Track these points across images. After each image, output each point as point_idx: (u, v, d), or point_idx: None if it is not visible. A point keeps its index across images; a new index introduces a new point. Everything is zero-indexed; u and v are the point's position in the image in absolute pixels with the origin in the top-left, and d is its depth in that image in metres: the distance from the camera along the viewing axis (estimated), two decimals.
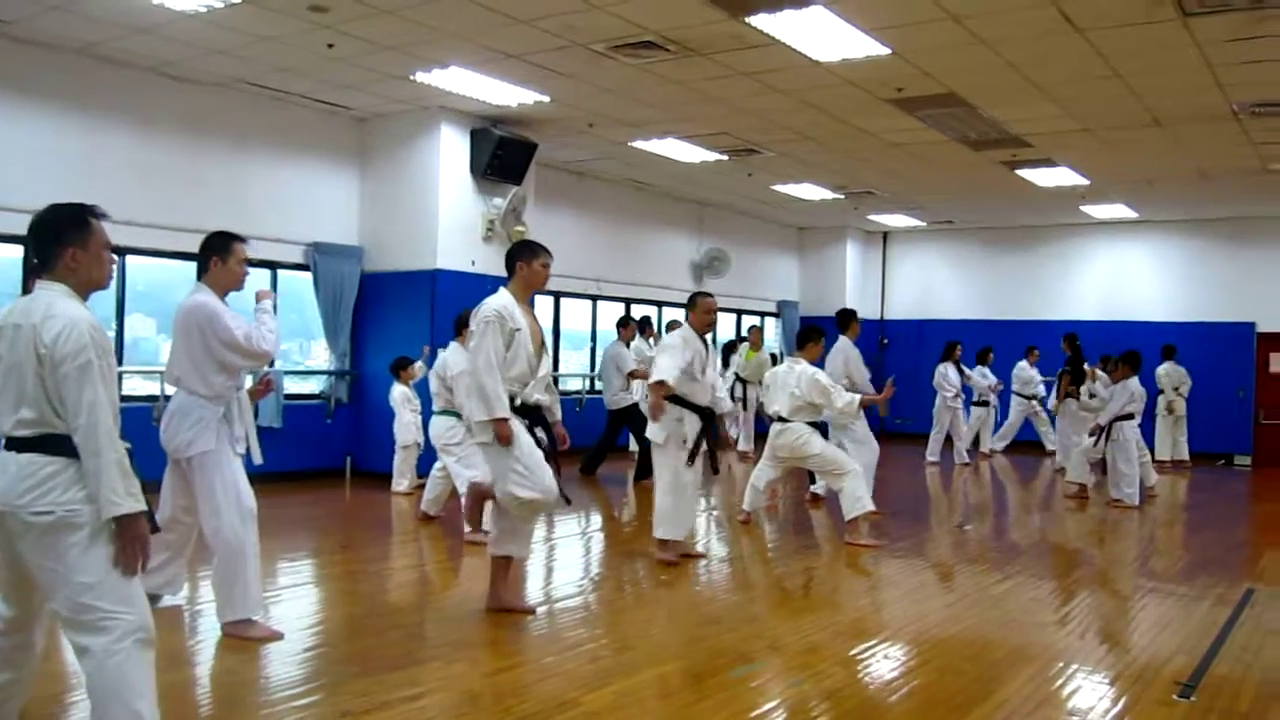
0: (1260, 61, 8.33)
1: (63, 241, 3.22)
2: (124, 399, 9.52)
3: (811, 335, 8.59)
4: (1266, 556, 8.65)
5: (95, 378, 3.09)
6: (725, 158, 12.81)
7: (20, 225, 8.68)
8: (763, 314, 18.56)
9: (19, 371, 3.12)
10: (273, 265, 10.78)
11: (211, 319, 5.09)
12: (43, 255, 3.25)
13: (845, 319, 10.05)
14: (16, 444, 3.14)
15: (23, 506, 3.08)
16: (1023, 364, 15.78)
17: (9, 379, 3.15)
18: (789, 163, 13.12)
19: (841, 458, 8.44)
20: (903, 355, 19.04)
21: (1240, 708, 4.51)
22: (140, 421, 9.41)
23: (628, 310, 15.12)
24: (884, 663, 5.17)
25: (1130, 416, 10.80)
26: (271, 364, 8.66)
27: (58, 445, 3.11)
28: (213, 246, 5.25)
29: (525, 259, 5.73)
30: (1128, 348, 14.45)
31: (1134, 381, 10.85)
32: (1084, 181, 13.66)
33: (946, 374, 14.84)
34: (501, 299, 5.61)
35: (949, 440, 15.04)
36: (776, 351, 17.01)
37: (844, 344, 9.82)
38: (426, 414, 9.03)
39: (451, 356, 8.17)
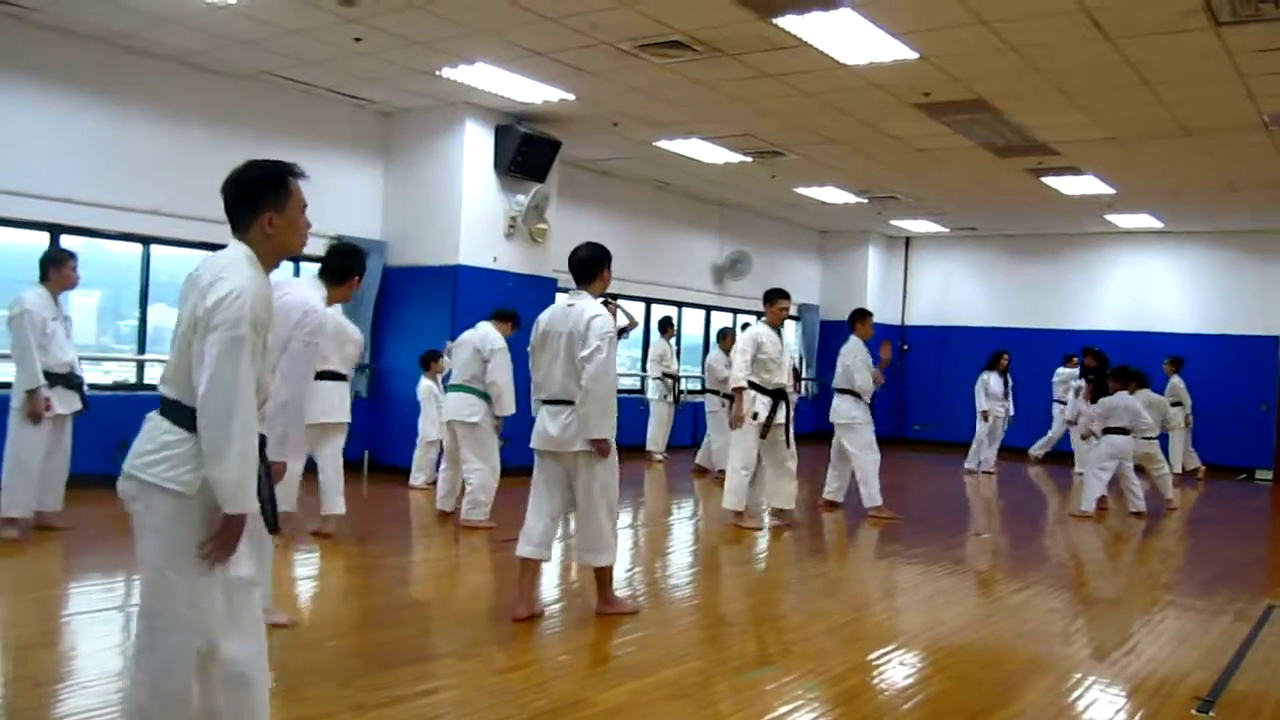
0: None
1: (259, 205, 3.04)
2: (145, 388, 9.69)
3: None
4: None
5: (242, 355, 2.85)
6: (749, 159, 12.78)
7: (46, 213, 8.89)
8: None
9: (181, 332, 2.97)
10: (295, 258, 10.81)
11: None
12: (236, 217, 3.06)
13: (854, 317, 10.05)
14: (160, 402, 3.00)
15: (137, 469, 2.93)
16: (1061, 370, 15.69)
17: (176, 335, 3.01)
18: (812, 165, 13.07)
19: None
20: (923, 361, 18.99)
21: None
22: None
23: (648, 310, 15.13)
24: (899, 669, 5.14)
25: (1125, 431, 10.70)
26: None
27: (183, 416, 2.91)
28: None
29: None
30: (1150, 359, 14.49)
31: (1121, 396, 10.77)
32: (1110, 190, 13.57)
33: (989, 383, 14.67)
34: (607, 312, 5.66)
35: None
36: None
37: (854, 344, 9.81)
38: None
39: (492, 332, 8.32)
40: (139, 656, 2.99)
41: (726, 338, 13.11)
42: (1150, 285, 17.40)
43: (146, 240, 9.69)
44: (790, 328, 18.64)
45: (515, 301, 11.26)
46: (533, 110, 10.86)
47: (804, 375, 17.97)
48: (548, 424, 5.56)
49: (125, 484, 2.97)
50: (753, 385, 8.73)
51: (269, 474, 3.10)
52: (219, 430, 2.82)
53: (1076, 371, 15.16)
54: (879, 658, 5.27)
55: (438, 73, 9.66)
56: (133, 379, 9.97)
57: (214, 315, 2.85)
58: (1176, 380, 14.95)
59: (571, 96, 10.18)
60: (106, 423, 9.01)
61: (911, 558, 8.15)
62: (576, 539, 5.70)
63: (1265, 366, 16.32)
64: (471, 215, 11.06)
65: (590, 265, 5.68)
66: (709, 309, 16.69)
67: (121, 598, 5.94)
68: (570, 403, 5.50)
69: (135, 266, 9.79)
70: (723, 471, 12.29)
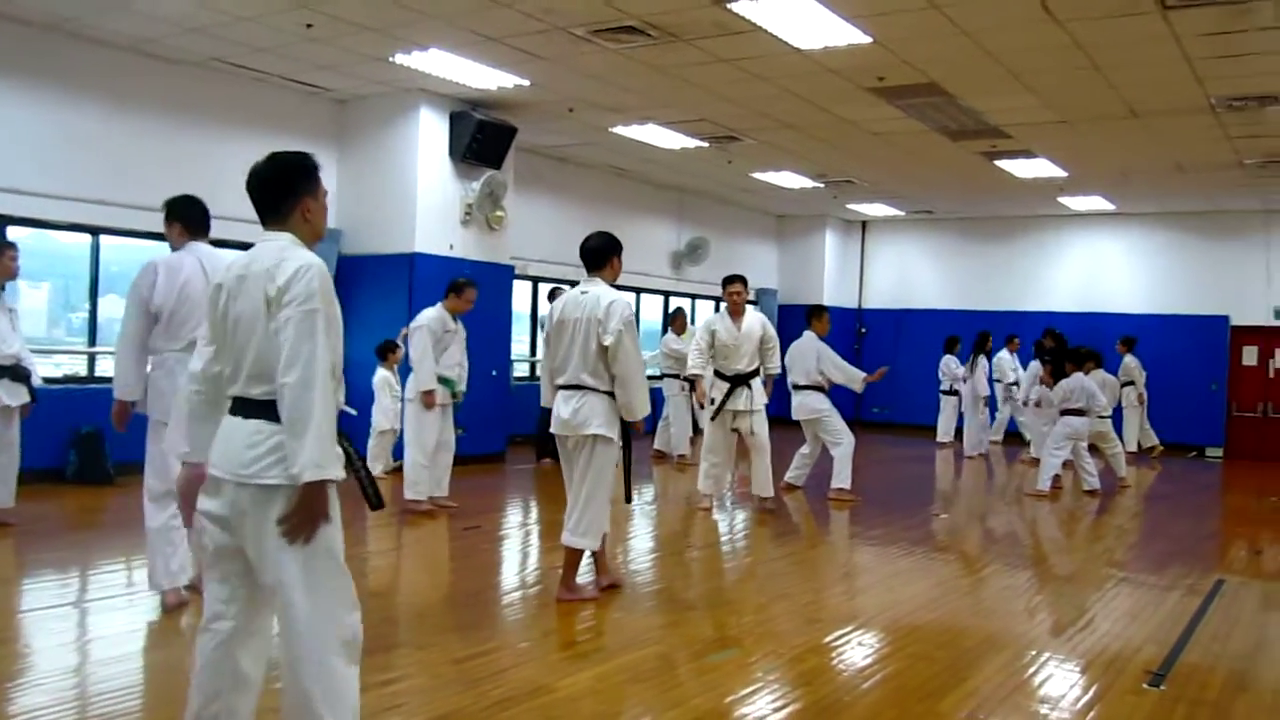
0: (1237, 56, 8.37)
1: (298, 192, 3.11)
2: (96, 380, 9.55)
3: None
4: (1236, 547, 8.74)
5: (319, 329, 2.89)
6: (705, 145, 12.79)
7: None
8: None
9: (247, 325, 2.97)
10: (249, 247, 10.65)
11: None
12: (274, 206, 3.11)
13: (810, 314, 10.11)
14: (245, 406, 2.99)
15: (251, 476, 2.92)
16: (1003, 353, 15.86)
17: (233, 336, 3.01)
18: (769, 150, 13.11)
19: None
20: (880, 344, 19.11)
21: (1209, 696, 4.56)
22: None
23: None
24: (857, 649, 5.19)
25: (1081, 412, 10.87)
26: None
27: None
28: None
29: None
30: (1104, 339, 14.70)
31: (1077, 377, 10.93)
32: (1062, 173, 13.72)
33: (982, 366, 14.79)
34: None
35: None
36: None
37: (813, 342, 9.84)
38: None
39: (427, 312, 8.42)
40: (322, 655, 2.95)
41: (677, 319, 13.25)
42: (1102, 266, 17.63)
43: (96, 231, 9.54)
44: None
45: None
46: (488, 97, 10.80)
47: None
48: (561, 409, 5.65)
49: (237, 493, 2.94)
50: (716, 372, 8.83)
51: (360, 453, 3.18)
52: (299, 402, 2.85)
53: (1016, 359, 15.44)
54: (838, 638, 5.31)
55: (391, 59, 9.57)
56: (84, 371, 9.83)
57: (286, 293, 2.91)
58: (1130, 360, 15.15)
59: (526, 83, 10.12)
60: (58, 416, 8.92)
61: (870, 539, 8.23)
62: (567, 520, 5.71)
63: (1215, 346, 16.60)
64: (427, 203, 10.99)
65: (601, 253, 5.80)
66: (667, 294, 16.69)
67: (76, 593, 5.87)
68: (583, 388, 5.58)
69: (85, 257, 9.65)
70: (682, 456, 12.37)
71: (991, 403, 15.50)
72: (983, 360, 14.88)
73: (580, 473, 5.66)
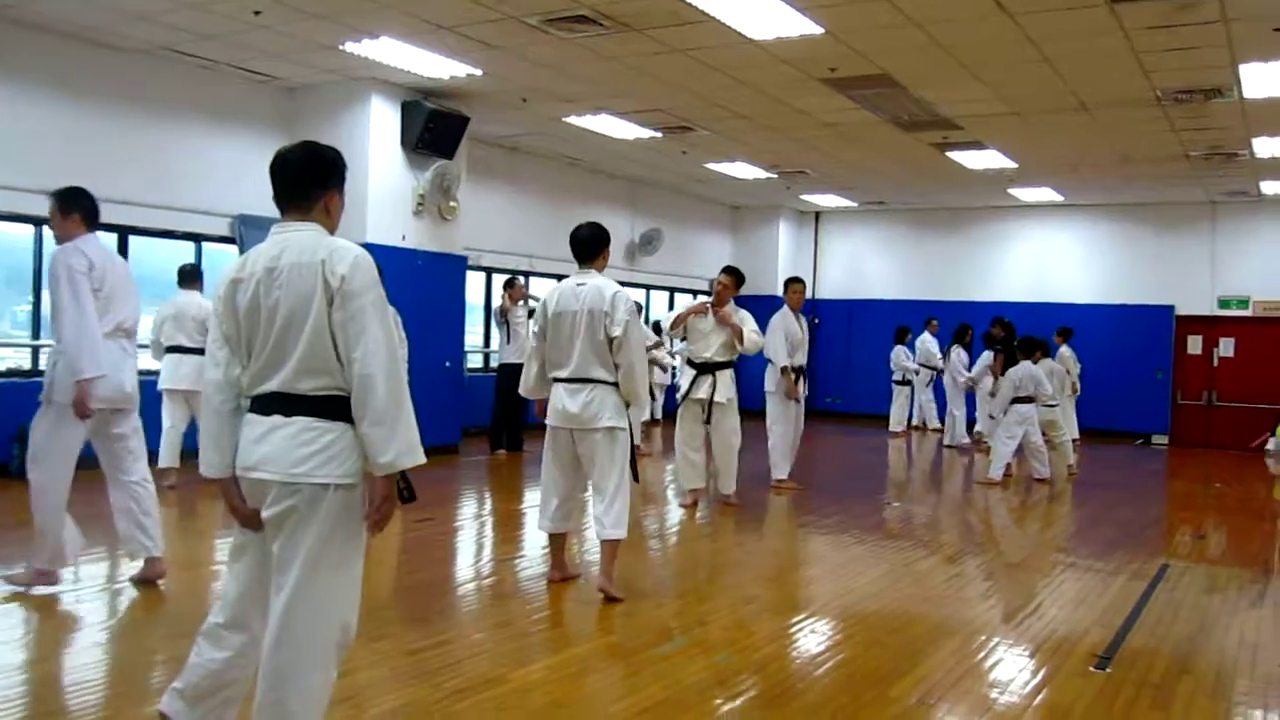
0: (1183, 49, 8.50)
1: (328, 185, 3.09)
2: (39, 374, 9.36)
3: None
4: (1181, 532, 8.90)
5: (386, 314, 2.92)
6: (659, 135, 12.78)
7: None
8: (695, 292, 18.56)
9: (296, 318, 2.88)
10: (198, 238, 10.55)
11: None
12: (302, 193, 3.04)
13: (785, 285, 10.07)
14: (288, 403, 2.91)
15: (305, 475, 2.87)
16: (924, 336, 16.07)
17: (268, 330, 2.91)
18: (723, 141, 13.13)
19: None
20: (834, 335, 19.23)
21: (1153, 678, 4.64)
22: None
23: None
24: (810, 637, 5.22)
25: (1029, 400, 11.03)
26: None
27: (334, 408, 2.90)
28: None
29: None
30: (1053, 329, 14.88)
31: (1026, 366, 11.10)
32: (1012, 165, 13.87)
33: (960, 357, 14.79)
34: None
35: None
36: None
37: (780, 312, 9.73)
38: None
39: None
40: (313, 654, 2.92)
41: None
42: (1052, 257, 17.85)
43: (40, 222, 9.34)
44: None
45: (426, 280, 11.21)
46: (440, 86, 10.72)
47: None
48: (566, 402, 5.58)
49: (284, 493, 2.89)
50: (687, 360, 8.81)
51: None
52: (388, 389, 2.85)
53: (937, 341, 15.81)
54: (791, 627, 5.35)
55: (340, 47, 9.47)
56: (28, 365, 9.65)
57: (351, 281, 2.87)
58: (1065, 350, 15.31)
59: (479, 72, 10.06)
60: (2, 410, 8.75)
61: (823, 528, 8.28)
62: (597, 514, 5.65)
63: (1161, 335, 16.87)
64: (378, 193, 10.89)
65: (594, 244, 5.77)
66: (621, 284, 16.64)
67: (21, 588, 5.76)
68: (591, 381, 5.54)
69: (29, 249, 9.46)
70: (636, 446, 12.32)
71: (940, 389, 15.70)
72: (958, 350, 14.85)
73: (600, 468, 5.59)
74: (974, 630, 5.36)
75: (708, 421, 8.68)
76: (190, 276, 8.90)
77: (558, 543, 5.97)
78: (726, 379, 8.65)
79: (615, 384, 5.59)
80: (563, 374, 5.63)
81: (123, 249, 9.90)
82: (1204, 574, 7.03)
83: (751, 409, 9.87)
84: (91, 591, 5.60)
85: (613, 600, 5.57)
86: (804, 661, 4.86)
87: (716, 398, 8.57)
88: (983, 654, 4.95)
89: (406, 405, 2.92)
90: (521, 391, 5.93)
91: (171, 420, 8.74)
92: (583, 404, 5.54)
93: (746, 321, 8.62)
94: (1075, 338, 15.26)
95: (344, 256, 2.91)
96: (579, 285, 5.65)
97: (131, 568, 5.65)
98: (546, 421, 5.73)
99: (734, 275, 8.78)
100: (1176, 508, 10.83)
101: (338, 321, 2.87)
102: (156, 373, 8.75)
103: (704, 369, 8.63)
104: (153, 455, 9.70)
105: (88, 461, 5.46)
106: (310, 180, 3.06)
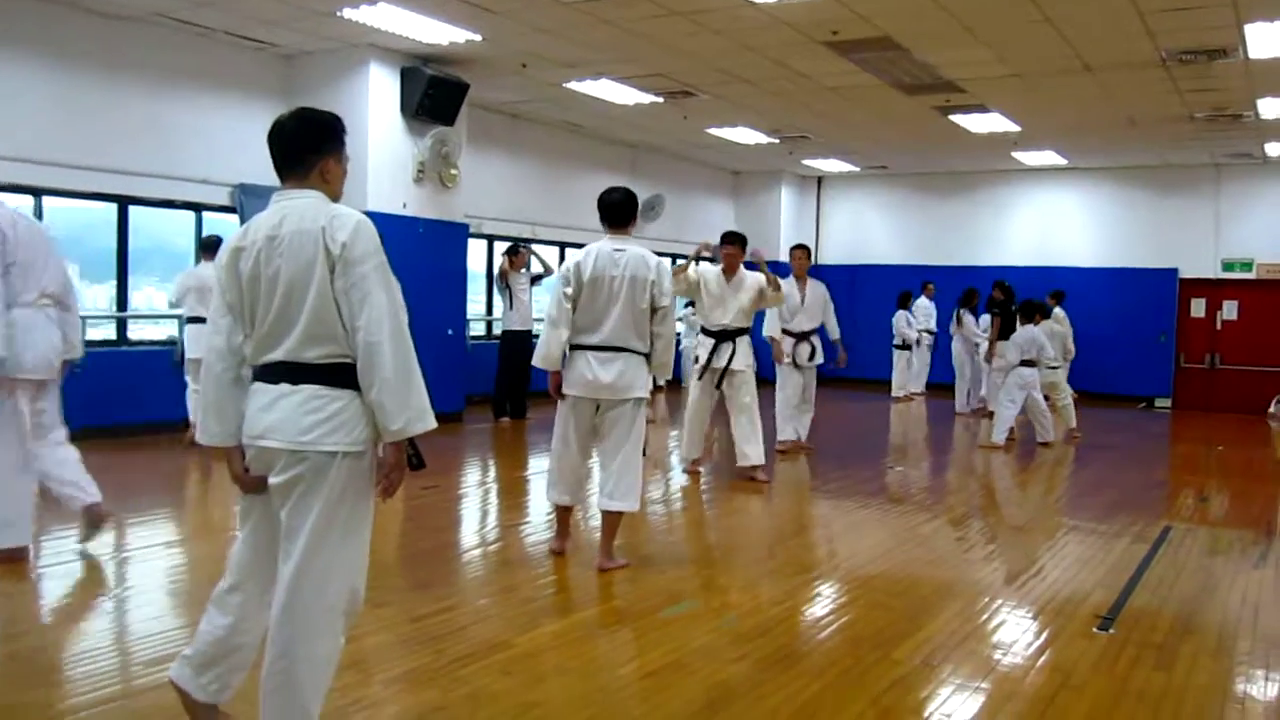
0: (1187, 8, 8.41)
1: (322, 151, 3.04)
2: None
3: None
4: (1183, 495, 8.91)
5: (392, 282, 2.91)
6: (660, 100, 12.70)
7: None
8: (697, 258, 18.51)
9: (299, 286, 2.86)
10: (197, 207, 10.51)
11: None
12: (296, 160, 3.01)
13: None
14: (294, 372, 2.90)
15: (312, 443, 2.87)
16: (921, 300, 16.05)
17: (271, 299, 2.90)
18: (724, 105, 13.05)
19: None
20: (836, 299, 19.10)
21: (1156, 639, 4.66)
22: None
23: (562, 254, 15.05)
24: (814, 600, 5.25)
25: (1032, 364, 11.04)
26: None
27: (340, 376, 2.89)
28: None
29: None
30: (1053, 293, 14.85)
31: (1029, 329, 11.09)
32: (1015, 128, 13.78)
33: (970, 321, 14.58)
34: None
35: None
36: None
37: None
38: None
39: None
40: (321, 620, 2.94)
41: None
42: (1055, 221, 17.79)
43: (38, 192, 9.32)
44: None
45: (427, 248, 11.19)
46: (439, 52, 10.65)
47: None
48: (599, 372, 5.41)
49: (294, 462, 2.89)
50: (702, 329, 8.49)
51: None
52: (401, 353, 2.86)
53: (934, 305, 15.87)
54: (795, 590, 5.37)
55: (338, 13, 9.39)
56: None
57: (353, 248, 2.86)
58: (1059, 311, 15.28)
59: (478, 37, 9.99)
60: None
61: (826, 492, 8.31)
62: (606, 484, 5.55)
63: (1164, 298, 16.84)
64: (378, 160, 10.83)
65: (627, 209, 5.64)
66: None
67: None
68: (626, 350, 5.43)
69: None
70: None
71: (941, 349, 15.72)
72: (967, 315, 14.62)
73: (617, 437, 5.50)
74: (977, 592, 5.38)
75: (719, 386, 8.37)
76: (212, 247, 9.03)
77: (566, 515, 5.86)
78: (745, 345, 8.37)
79: (646, 355, 5.51)
80: (592, 340, 5.43)
81: (122, 219, 9.89)
82: (1206, 536, 7.05)
83: (766, 378, 9.83)
84: (99, 559, 5.62)
85: (608, 569, 5.56)
86: (809, 624, 4.89)
87: (735, 365, 8.28)
88: (986, 616, 4.97)
89: (415, 370, 2.91)
90: (541, 362, 5.54)
91: (198, 384, 8.89)
92: (618, 373, 5.40)
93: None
94: (1079, 301, 15.24)
95: (344, 223, 2.89)
96: (617, 251, 5.47)
97: (141, 536, 5.67)
98: (566, 391, 5.52)
99: (739, 242, 8.47)
100: (1179, 471, 10.85)
101: (340, 289, 2.86)
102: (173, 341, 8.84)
103: (722, 336, 8.31)
104: (176, 423, 9.73)
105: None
106: (304, 146, 3.03)
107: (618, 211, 5.62)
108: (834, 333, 10.36)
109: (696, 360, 8.51)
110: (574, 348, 5.49)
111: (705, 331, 8.47)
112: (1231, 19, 8.65)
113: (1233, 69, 10.28)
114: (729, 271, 8.36)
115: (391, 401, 2.85)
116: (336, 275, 2.86)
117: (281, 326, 2.91)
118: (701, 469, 8.85)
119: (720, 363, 8.30)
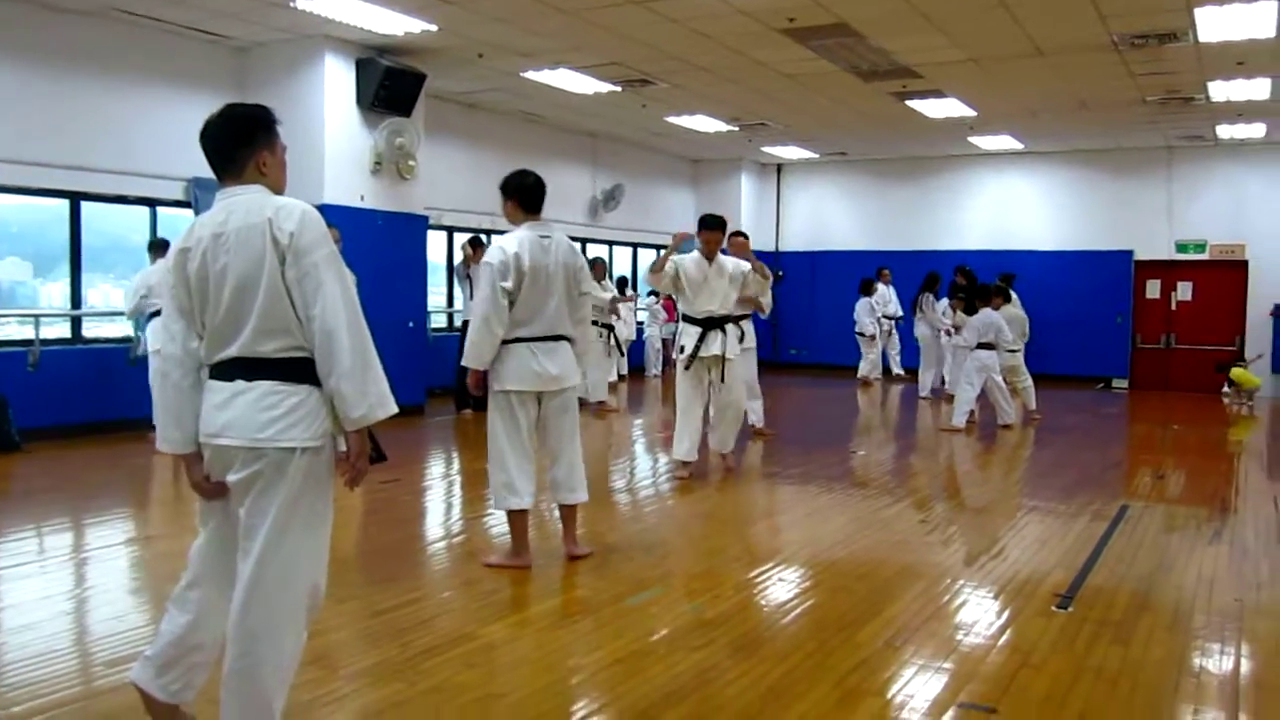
0: None
1: (254, 145, 2.99)
2: (4, 343, 9.25)
3: None
4: (1140, 474, 9.04)
5: (342, 270, 2.89)
6: (618, 89, 12.68)
7: None
8: (658, 247, 18.53)
9: (249, 281, 2.83)
10: (152, 203, 10.39)
11: None
12: (228, 157, 2.98)
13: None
14: (250, 367, 2.87)
15: (270, 439, 2.84)
16: (879, 286, 16.20)
17: (222, 296, 2.86)
18: (682, 94, 13.04)
19: None
20: (798, 286, 19.27)
21: (1114, 616, 4.73)
22: (18, 366, 9.09)
23: None
24: (778, 585, 5.27)
25: (991, 346, 11.16)
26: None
27: (298, 370, 2.87)
28: None
29: None
30: (1015, 276, 14.98)
31: (987, 313, 11.21)
32: (971, 113, 13.88)
33: (932, 304, 14.52)
34: None
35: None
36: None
37: None
38: None
39: None
40: (283, 617, 2.92)
41: (596, 267, 13.11)
42: (1013, 205, 17.96)
43: None
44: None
45: (386, 240, 11.13)
46: (395, 42, 10.57)
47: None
48: (545, 363, 5.25)
49: (252, 459, 2.85)
50: (685, 317, 8.05)
51: None
52: (358, 340, 2.86)
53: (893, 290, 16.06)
54: (758, 576, 5.40)
55: (292, 4, 9.30)
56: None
57: (301, 238, 2.84)
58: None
59: (434, 27, 9.92)
60: None
61: (789, 478, 8.34)
62: (562, 477, 5.48)
63: (1120, 280, 17.05)
64: (335, 153, 10.75)
65: (543, 192, 5.60)
66: (584, 241, 16.60)
67: None
68: (561, 338, 5.36)
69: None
70: (601, 403, 12.33)
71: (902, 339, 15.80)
72: (929, 298, 14.62)
73: (564, 429, 5.43)
74: (939, 574, 5.43)
75: (687, 368, 7.96)
76: (160, 248, 9.11)
77: (523, 523, 5.44)
78: (734, 332, 8.03)
79: (572, 340, 5.46)
80: (533, 331, 5.24)
81: (75, 215, 9.74)
82: (1162, 513, 7.15)
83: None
84: (59, 561, 5.56)
85: (582, 556, 5.58)
86: (772, 609, 4.91)
87: (728, 353, 7.87)
88: (948, 597, 5.02)
89: (373, 357, 2.90)
90: (473, 362, 5.27)
91: None
92: (561, 363, 5.33)
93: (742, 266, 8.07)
94: (1036, 284, 15.38)
95: (290, 214, 2.87)
96: (543, 238, 5.38)
97: (101, 536, 5.61)
98: (508, 387, 5.25)
99: (719, 226, 8.00)
100: (1136, 450, 11.00)
101: (291, 279, 2.84)
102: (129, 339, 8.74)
103: (709, 324, 7.85)
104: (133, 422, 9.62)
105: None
106: (234, 143, 2.99)
107: (537, 195, 5.54)
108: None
109: (682, 350, 7.99)
110: (510, 340, 5.24)
111: (690, 320, 7.98)
112: (1182, 3, 8.76)
113: (1183, 52, 10.40)
114: (709, 257, 7.91)
115: (351, 389, 2.84)
116: (287, 266, 2.84)
117: (233, 323, 2.88)
118: (688, 475, 8.06)
119: (713, 350, 7.84)
